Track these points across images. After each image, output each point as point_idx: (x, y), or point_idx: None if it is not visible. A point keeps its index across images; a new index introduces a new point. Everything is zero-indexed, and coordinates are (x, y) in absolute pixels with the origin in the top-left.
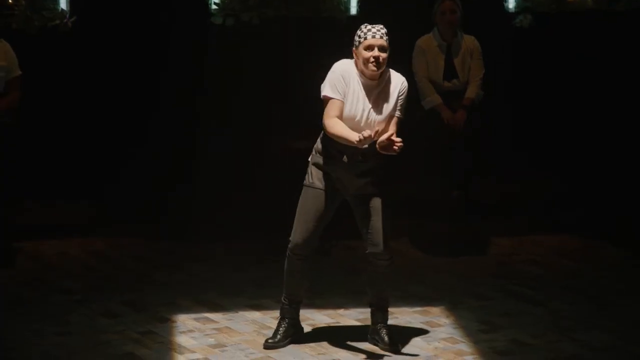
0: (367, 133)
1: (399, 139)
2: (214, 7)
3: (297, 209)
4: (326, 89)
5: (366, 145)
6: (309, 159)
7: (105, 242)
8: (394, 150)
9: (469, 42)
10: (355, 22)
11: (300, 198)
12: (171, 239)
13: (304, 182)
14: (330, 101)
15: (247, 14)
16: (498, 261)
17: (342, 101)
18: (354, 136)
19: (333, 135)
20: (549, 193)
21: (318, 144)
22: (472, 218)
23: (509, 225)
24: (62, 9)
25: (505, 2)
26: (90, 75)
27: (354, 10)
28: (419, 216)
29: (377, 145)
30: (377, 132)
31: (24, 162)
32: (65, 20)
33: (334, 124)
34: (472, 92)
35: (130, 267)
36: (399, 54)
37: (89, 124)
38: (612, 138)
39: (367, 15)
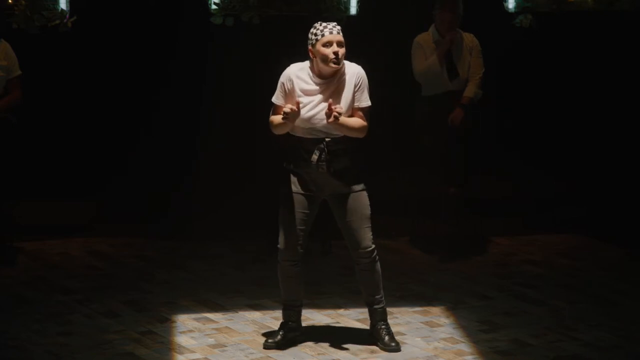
0: (287, 108)
1: (339, 106)
2: (214, 7)
3: (279, 216)
4: (274, 95)
5: (328, 139)
6: (284, 164)
7: (105, 242)
8: (335, 117)
9: (468, 39)
10: (356, 22)
11: (280, 205)
12: (171, 238)
13: (281, 188)
14: (273, 107)
15: (247, 14)
16: (498, 261)
17: (282, 107)
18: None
19: (274, 129)
20: (549, 192)
21: (290, 150)
22: (471, 217)
23: (508, 225)
24: (62, 9)
25: (506, 2)
26: (90, 75)
27: (354, 10)
28: (418, 215)
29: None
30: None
31: (25, 162)
32: (65, 20)
33: (270, 122)
34: (470, 91)
35: (130, 266)
36: (398, 54)
37: (90, 124)
38: (612, 138)
39: (367, 15)
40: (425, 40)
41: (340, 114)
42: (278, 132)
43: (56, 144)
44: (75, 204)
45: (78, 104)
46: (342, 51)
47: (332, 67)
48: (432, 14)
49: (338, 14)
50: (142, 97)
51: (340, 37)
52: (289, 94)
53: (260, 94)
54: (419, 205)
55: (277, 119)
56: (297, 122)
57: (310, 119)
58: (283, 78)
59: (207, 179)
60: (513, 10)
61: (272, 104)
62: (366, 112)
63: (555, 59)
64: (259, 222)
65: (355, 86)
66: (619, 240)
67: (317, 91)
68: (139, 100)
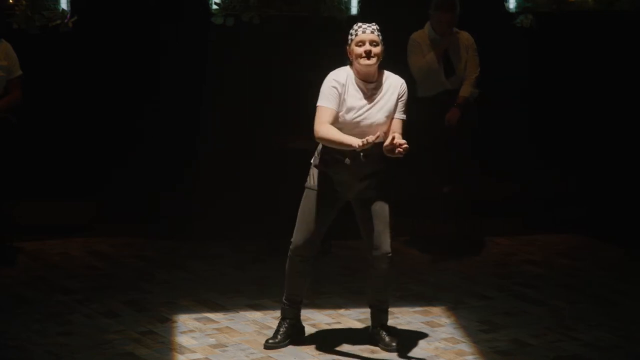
0: (371, 138)
1: (403, 141)
2: (214, 7)
3: (299, 211)
4: (320, 99)
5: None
6: (312, 161)
7: (105, 242)
8: (400, 152)
9: (464, 38)
10: (356, 22)
11: (302, 200)
12: (171, 238)
13: (306, 184)
14: (321, 108)
15: (247, 14)
16: (498, 261)
17: (334, 110)
18: (353, 141)
19: (324, 139)
20: (549, 193)
21: (320, 147)
22: (471, 217)
23: (509, 225)
24: (62, 9)
25: (506, 2)
26: (90, 75)
27: (354, 10)
28: (419, 215)
29: (384, 149)
30: (377, 136)
31: (25, 162)
32: (66, 20)
33: (327, 129)
34: (466, 90)
35: (130, 266)
36: (398, 54)
37: (90, 124)
38: (612, 138)
39: (367, 15)
40: (421, 37)
41: (406, 149)
42: (327, 143)
43: (56, 144)
44: (75, 204)
45: (78, 104)
46: (375, 50)
47: (364, 64)
48: (428, 13)
49: (338, 14)
50: (142, 97)
51: (373, 36)
52: (340, 98)
53: (260, 93)
54: (418, 205)
55: (335, 132)
56: (344, 127)
57: (357, 124)
58: (332, 81)
59: (207, 179)
60: (513, 10)
61: (319, 107)
62: (404, 125)
63: (555, 59)
64: (259, 222)
65: (399, 95)
66: (619, 240)
67: (360, 95)
68: (139, 100)
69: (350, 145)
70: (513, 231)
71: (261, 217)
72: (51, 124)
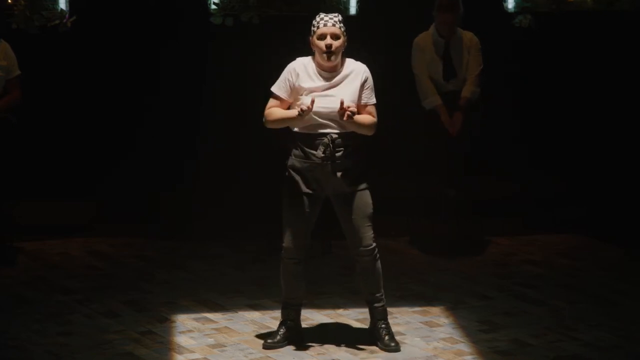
0: (304, 106)
1: (351, 104)
2: (213, 7)
3: (282, 215)
4: (274, 85)
5: (336, 135)
6: (287, 163)
7: (105, 242)
8: (349, 115)
9: (467, 38)
10: (355, 22)
11: (283, 203)
12: (171, 238)
13: (284, 186)
14: (272, 97)
15: (246, 14)
16: (498, 261)
17: (283, 99)
18: (293, 112)
19: (272, 122)
20: (549, 192)
21: (293, 147)
22: (471, 217)
23: (508, 225)
24: (61, 9)
25: (505, 2)
26: (89, 75)
27: (353, 10)
28: (418, 215)
29: (338, 114)
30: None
31: (25, 162)
32: (64, 20)
33: (269, 113)
34: (467, 90)
35: (130, 266)
36: (398, 54)
37: (89, 124)
38: (612, 137)
39: (367, 15)
40: (425, 40)
41: (354, 112)
42: (275, 126)
43: (56, 143)
44: (75, 204)
45: (78, 104)
46: (335, 43)
47: (325, 60)
48: (432, 15)
49: None
50: (142, 97)
51: (334, 29)
52: (292, 88)
53: (260, 93)
54: (418, 204)
55: (279, 112)
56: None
57: (319, 113)
58: (290, 70)
59: (207, 179)
60: (512, 10)
61: (271, 93)
62: (374, 109)
63: (554, 59)
64: (258, 222)
65: (362, 84)
66: (619, 240)
67: (322, 86)
68: (138, 100)
69: (294, 117)
70: (513, 231)
71: (261, 217)
72: (51, 124)
